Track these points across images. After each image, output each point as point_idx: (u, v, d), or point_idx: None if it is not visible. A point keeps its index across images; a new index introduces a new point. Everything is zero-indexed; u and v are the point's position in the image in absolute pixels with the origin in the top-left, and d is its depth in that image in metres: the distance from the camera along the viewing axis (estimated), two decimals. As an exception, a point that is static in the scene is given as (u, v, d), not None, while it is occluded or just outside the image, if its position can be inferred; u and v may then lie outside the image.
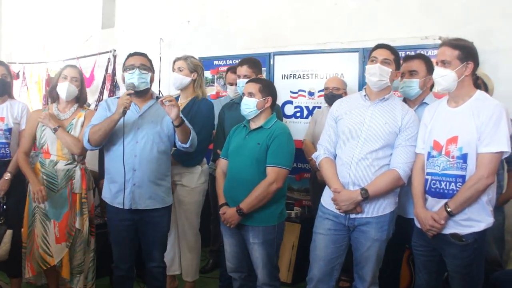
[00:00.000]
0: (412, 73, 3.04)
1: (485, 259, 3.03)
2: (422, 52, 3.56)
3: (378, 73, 2.75)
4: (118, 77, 5.76)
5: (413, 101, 3.07)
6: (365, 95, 2.86)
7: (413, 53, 3.53)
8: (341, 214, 2.78)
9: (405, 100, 3.10)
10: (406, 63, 3.11)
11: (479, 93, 2.56)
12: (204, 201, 3.73)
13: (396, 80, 2.97)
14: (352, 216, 2.76)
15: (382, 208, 2.76)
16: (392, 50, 2.82)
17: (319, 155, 2.93)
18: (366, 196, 2.68)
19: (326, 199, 2.88)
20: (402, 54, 3.82)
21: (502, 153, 2.44)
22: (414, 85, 3.02)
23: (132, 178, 2.95)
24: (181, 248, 3.66)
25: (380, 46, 2.83)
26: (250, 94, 2.97)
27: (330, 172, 2.84)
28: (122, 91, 3.19)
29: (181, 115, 2.96)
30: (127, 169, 2.94)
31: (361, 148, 2.75)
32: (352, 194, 2.71)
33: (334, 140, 2.89)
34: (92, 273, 3.49)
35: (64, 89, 3.31)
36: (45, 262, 3.30)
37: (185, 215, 3.57)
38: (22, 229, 3.46)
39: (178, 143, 3.03)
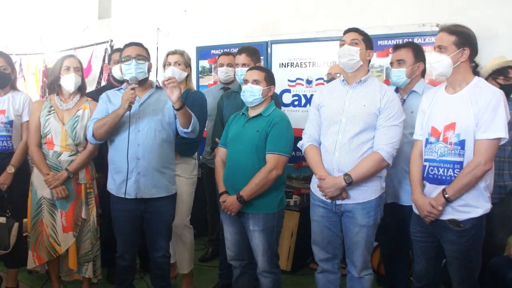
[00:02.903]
0: (399, 62, 3.11)
1: (492, 245, 3.02)
2: (419, 39, 3.56)
3: (346, 53, 2.78)
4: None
5: (403, 90, 3.14)
6: (343, 80, 2.89)
7: (410, 40, 3.53)
8: (328, 200, 2.81)
9: (397, 89, 3.17)
10: (395, 52, 3.17)
11: (477, 79, 2.56)
12: (199, 191, 3.75)
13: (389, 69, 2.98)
14: (338, 202, 2.79)
15: (368, 193, 2.77)
16: (360, 31, 2.86)
17: (304, 144, 2.95)
18: (350, 181, 2.70)
19: (314, 186, 2.90)
20: (399, 41, 3.83)
21: (499, 139, 2.45)
22: (401, 74, 3.09)
23: (136, 167, 2.97)
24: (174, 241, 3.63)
25: (347, 31, 2.88)
26: (256, 82, 2.97)
27: (315, 160, 2.86)
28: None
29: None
30: (131, 159, 2.95)
31: (343, 133, 2.76)
32: (336, 180, 2.72)
33: (317, 127, 2.91)
34: (99, 261, 3.51)
35: (71, 81, 3.28)
36: (54, 251, 3.33)
37: (177, 206, 3.49)
38: (25, 220, 3.47)
39: (180, 129, 3.02)
